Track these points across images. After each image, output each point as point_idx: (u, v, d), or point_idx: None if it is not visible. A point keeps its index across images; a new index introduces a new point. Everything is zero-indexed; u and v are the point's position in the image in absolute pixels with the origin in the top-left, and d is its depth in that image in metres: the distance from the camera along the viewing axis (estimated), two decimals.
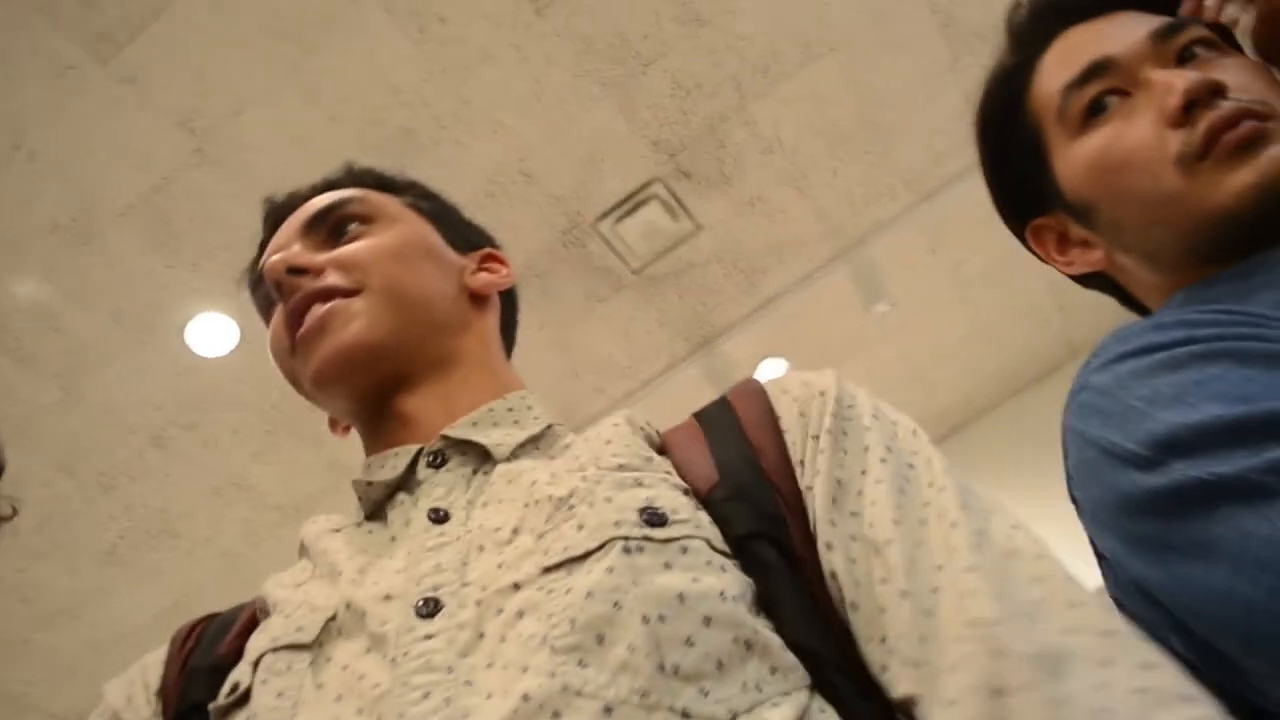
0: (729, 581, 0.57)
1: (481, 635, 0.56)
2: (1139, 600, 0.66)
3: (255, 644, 0.64)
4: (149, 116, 2.48)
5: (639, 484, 0.63)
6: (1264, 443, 0.56)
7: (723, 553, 0.59)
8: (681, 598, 0.54)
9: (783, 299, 3.43)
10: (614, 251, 3.16)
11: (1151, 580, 0.62)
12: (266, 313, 0.84)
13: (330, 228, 0.82)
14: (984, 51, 3.25)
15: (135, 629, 3.73)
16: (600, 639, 0.53)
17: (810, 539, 0.61)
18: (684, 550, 0.58)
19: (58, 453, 3.08)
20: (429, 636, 0.57)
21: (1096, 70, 0.83)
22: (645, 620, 0.53)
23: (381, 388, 0.77)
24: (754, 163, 3.06)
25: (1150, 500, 0.61)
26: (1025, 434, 4.05)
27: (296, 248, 0.80)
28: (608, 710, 0.50)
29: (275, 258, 0.78)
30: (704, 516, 0.61)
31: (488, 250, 0.91)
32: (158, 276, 2.80)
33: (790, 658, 0.55)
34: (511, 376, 0.84)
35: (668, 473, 0.65)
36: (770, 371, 3.70)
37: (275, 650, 0.61)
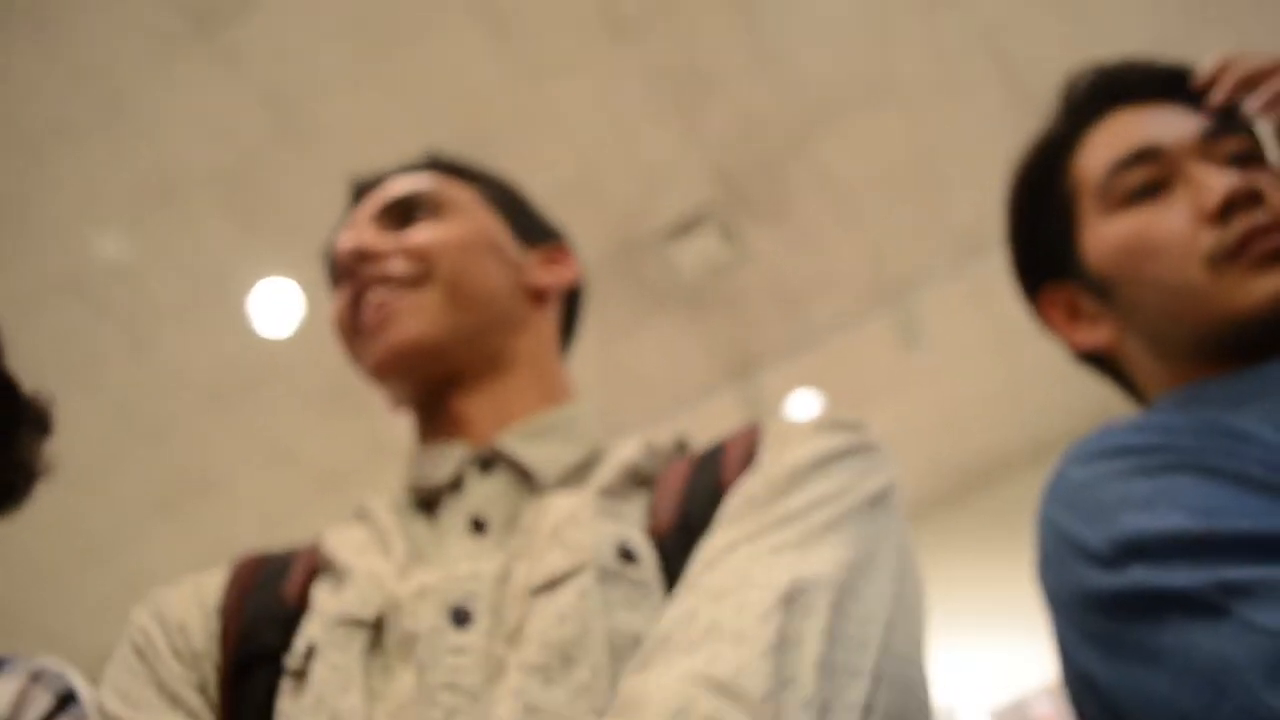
0: None
1: (500, 667, 0.60)
2: (1086, 694, 0.67)
3: (326, 605, 0.66)
4: (239, 91, 2.62)
5: (617, 519, 0.66)
6: (1221, 560, 0.57)
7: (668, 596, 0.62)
8: (637, 640, 0.58)
9: (823, 335, 3.48)
10: (664, 271, 3.24)
11: (1098, 675, 0.64)
12: (336, 286, 0.86)
13: (402, 214, 0.84)
14: (1045, 113, 3.25)
15: (169, 577, 3.84)
16: (567, 663, 0.57)
17: None
18: (646, 595, 0.61)
19: (118, 399, 3.21)
20: (457, 651, 0.61)
21: (1145, 156, 0.84)
22: (607, 650, 0.58)
23: (437, 382, 0.80)
24: (809, 199, 3.12)
25: (1106, 599, 0.62)
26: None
27: (369, 231, 0.83)
28: None
29: (347, 240, 0.81)
30: (656, 560, 0.64)
31: (555, 246, 0.91)
32: (231, 244, 2.94)
33: None
34: (564, 383, 0.86)
35: (642, 505, 0.69)
36: (802, 404, 3.74)
37: (343, 623, 0.64)
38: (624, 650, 0.58)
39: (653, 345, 3.46)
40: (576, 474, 0.75)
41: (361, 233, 0.82)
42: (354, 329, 0.81)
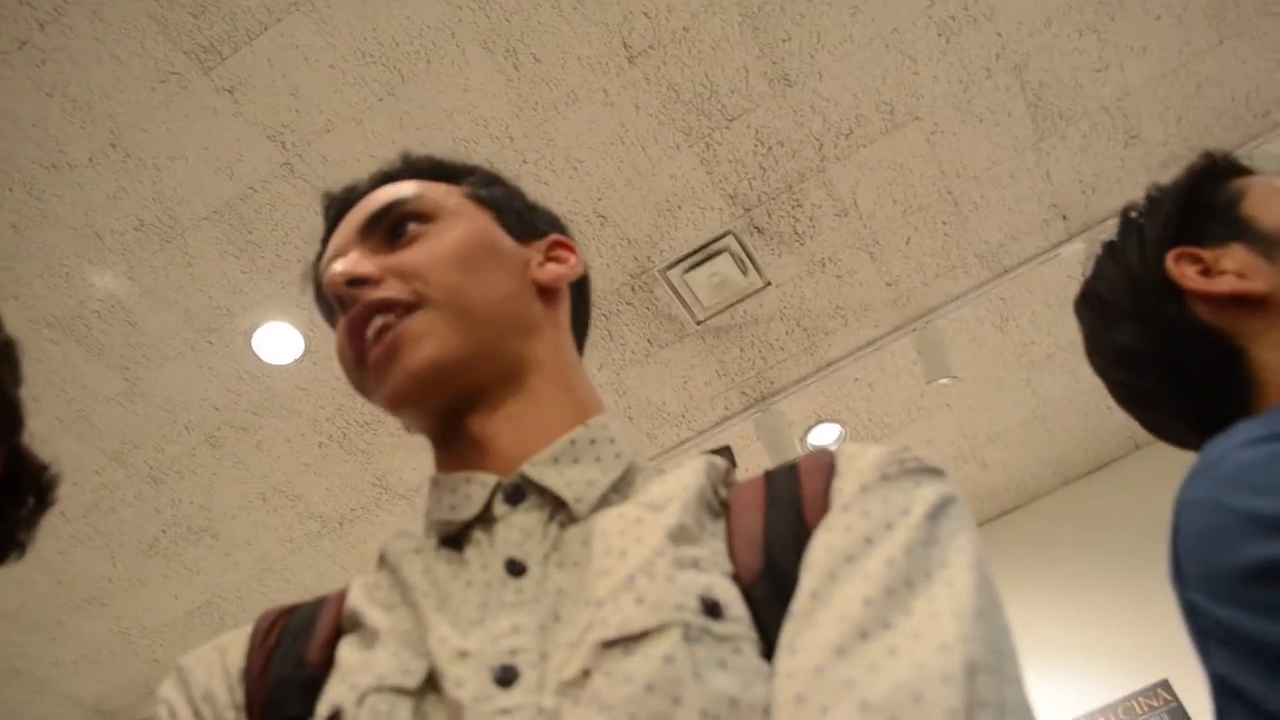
0: (768, 693, 0.54)
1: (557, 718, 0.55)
2: (1259, 669, 0.67)
3: (356, 669, 0.62)
4: (242, 126, 2.53)
5: (697, 566, 0.60)
6: None
7: (764, 655, 0.57)
8: (735, 703, 0.53)
9: (844, 363, 3.41)
10: (680, 300, 3.16)
11: (1273, 641, 0.65)
12: (329, 317, 0.82)
13: (388, 228, 0.79)
14: (1069, 134, 3.23)
15: (166, 623, 3.76)
16: None
17: None
18: (737, 650, 0.56)
19: (113, 442, 3.13)
20: (506, 712, 0.56)
21: None
22: (702, 717, 0.52)
23: (455, 405, 0.74)
24: (828, 224, 3.06)
25: None
26: (1075, 524, 3.99)
27: (354, 254, 0.78)
28: None
29: (335, 269, 0.76)
30: (746, 612, 0.58)
31: (554, 237, 0.87)
32: (232, 281, 2.85)
33: None
34: (588, 392, 0.80)
35: (719, 547, 0.63)
36: (822, 434, 3.67)
37: (380, 691, 0.59)
38: (720, 715, 0.52)
39: (669, 374, 3.39)
40: (615, 496, 0.70)
41: (348, 256, 0.77)
42: (358, 363, 0.76)
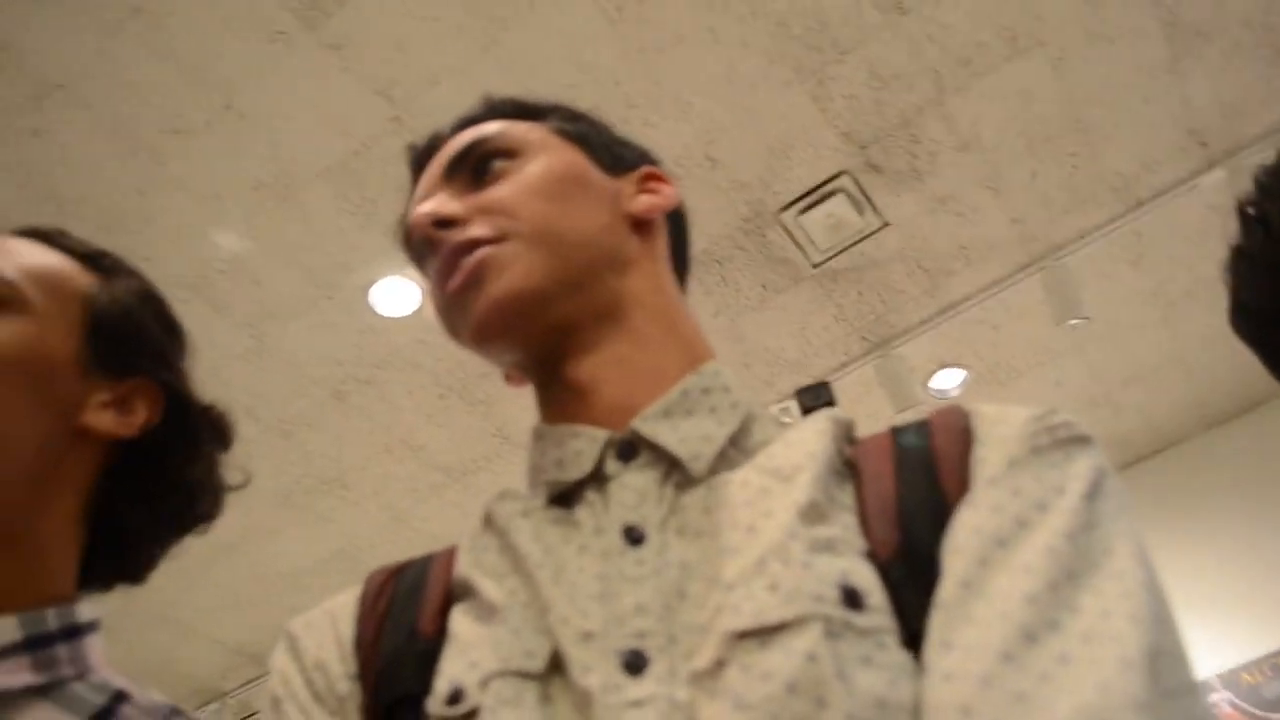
0: (916, 691, 0.51)
1: (692, 714, 0.52)
2: None
3: (475, 650, 0.60)
4: (351, 83, 2.55)
5: (832, 549, 0.56)
6: None
7: (906, 644, 0.53)
8: (882, 705, 0.49)
9: (968, 305, 3.29)
10: (795, 243, 3.09)
11: None
12: (421, 264, 0.80)
13: (473, 168, 0.77)
14: (1207, 53, 3.02)
15: (300, 570, 3.91)
16: None
17: None
18: (880, 645, 0.52)
19: (244, 398, 3.23)
20: (638, 704, 0.53)
21: None
22: None
23: (548, 343, 0.71)
24: (948, 160, 2.94)
25: None
26: (1215, 471, 3.79)
27: (441, 196, 0.75)
28: None
29: (419, 211, 0.73)
30: (886, 598, 0.54)
31: (646, 169, 0.83)
32: (349, 237, 2.90)
33: None
34: (695, 334, 0.76)
35: (850, 521, 0.58)
36: (947, 381, 3.57)
37: (504, 675, 0.57)
38: (869, 718, 0.49)
39: (786, 321, 3.33)
40: (730, 447, 0.66)
41: (434, 201, 0.75)
42: (448, 303, 0.73)
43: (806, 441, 0.63)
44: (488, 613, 0.62)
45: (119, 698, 0.74)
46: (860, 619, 0.52)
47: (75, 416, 0.78)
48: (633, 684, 0.54)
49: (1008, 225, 3.12)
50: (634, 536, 0.61)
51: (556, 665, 0.57)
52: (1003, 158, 2.95)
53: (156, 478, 0.84)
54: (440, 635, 0.63)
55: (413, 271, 2.85)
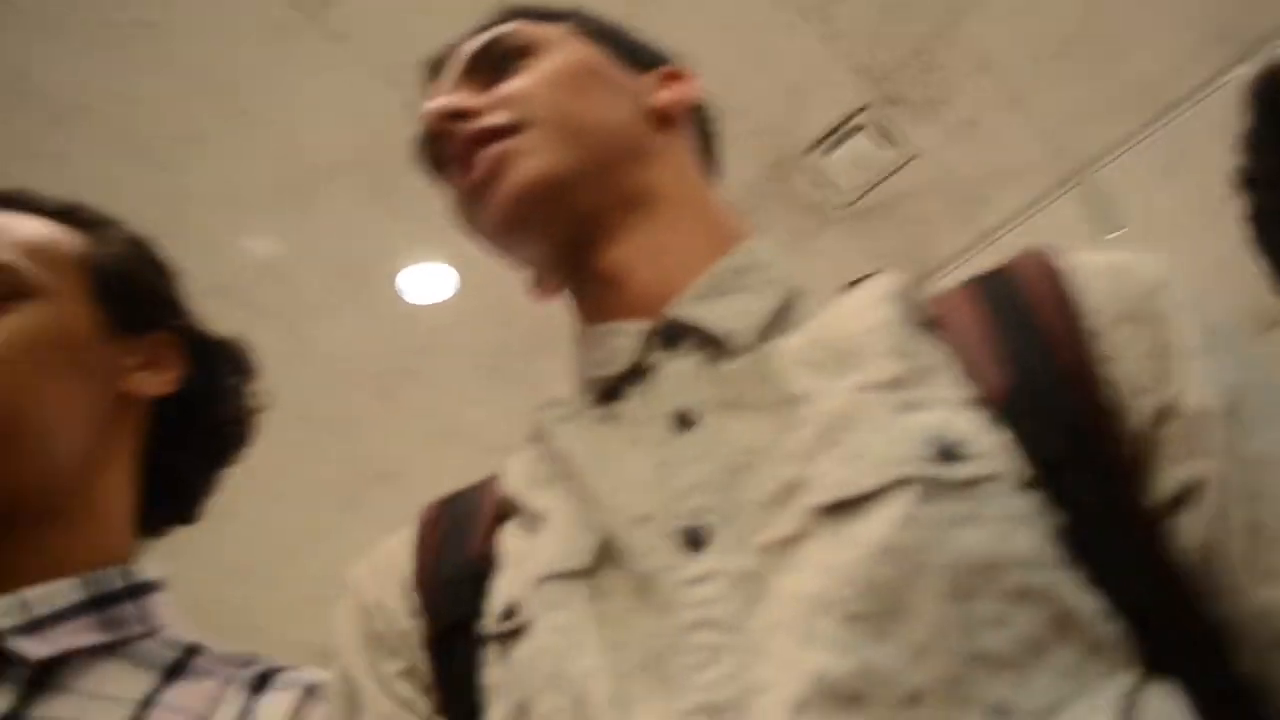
0: (1039, 537, 0.47)
1: (761, 589, 0.49)
2: None
3: (525, 558, 0.58)
4: (359, 72, 2.54)
5: (920, 406, 0.52)
6: None
7: (1028, 485, 0.49)
8: (990, 564, 0.45)
9: (1005, 230, 3.23)
10: (822, 186, 3.05)
11: None
12: (438, 169, 0.78)
13: (491, 65, 0.75)
14: None
15: None
16: (896, 612, 0.45)
17: (1126, 466, 0.51)
18: (986, 496, 0.48)
19: (288, 397, 3.24)
20: (700, 580, 0.50)
21: None
22: (950, 592, 0.45)
23: (574, 233, 0.69)
24: (966, 84, 2.87)
25: None
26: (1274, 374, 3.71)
27: (457, 93, 0.74)
28: (913, 699, 0.43)
29: (432, 105, 0.72)
30: (1000, 440, 0.50)
31: (667, 68, 0.81)
32: (375, 227, 2.89)
33: (1111, 630, 0.46)
34: (729, 219, 0.74)
35: (946, 374, 0.54)
36: None
37: (550, 579, 0.56)
38: (973, 585, 0.45)
39: (820, 266, 3.29)
40: (779, 325, 0.63)
41: (448, 96, 0.73)
42: (466, 196, 0.71)
43: (867, 305, 0.60)
44: (535, 523, 0.60)
45: (191, 651, 0.75)
46: (960, 470, 0.48)
47: (115, 385, 0.79)
48: (693, 560, 0.51)
49: (1035, 144, 3.05)
50: (684, 421, 0.59)
51: (607, 558, 0.55)
52: (1023, 75, 2.88)
53: (195, 422, 0.85)
54: (491, 557, 0.62)
55: (445, 254, 2.81)
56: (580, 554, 0.55)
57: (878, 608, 0.45)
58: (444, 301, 3.12)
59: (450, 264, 3.00)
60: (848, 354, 0.57)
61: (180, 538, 0.94)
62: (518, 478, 0.65)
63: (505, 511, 0.64)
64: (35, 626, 0.68)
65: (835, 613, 0.45)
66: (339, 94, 2.57)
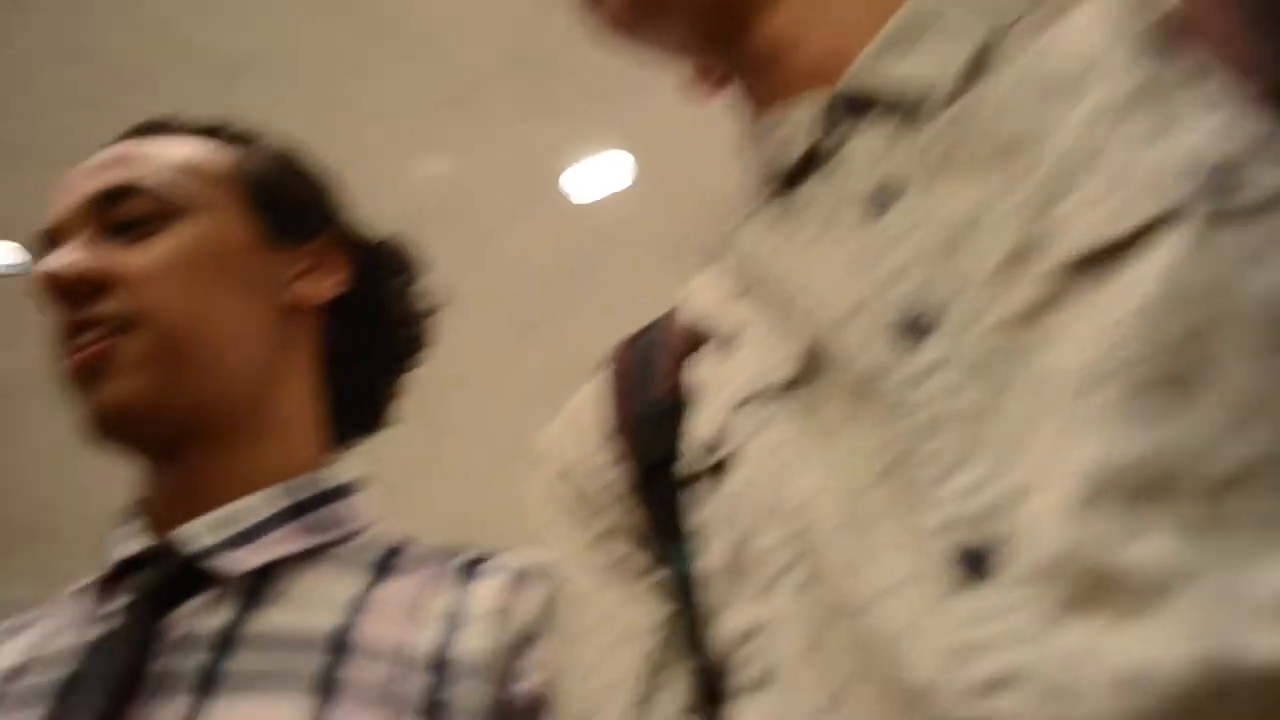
0: None
1: (1008, 372, 0.40)
2: None
3: (723, 382, 0.52)
4: None
5: (1179, 122, 0.40)
6: None
7: None
8: None
9: None
10: None
11: None
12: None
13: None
14: None
15: None
16: (1198, 374, 0.35)
17: None
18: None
19: (480, 307, 3.34)
20: (930, 371, 0.42)
21: None
22: (1267, 344, 0.35)
23: (719, 7, 0.57)
24: None
25: None
26: None
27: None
28: (1234, 482, 0.34)
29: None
30: None
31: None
32: (538, 127, 2.89)
33: None
34: None
35: (1203, 87, 0.41)
36: None
37: (749, 400, 0.49)
38: (1275, 341, 0.35)
39: None
40: (980, 70, 0.48)
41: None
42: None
43: (1093, 22, 0.46)
44: (728, 344, 0.53)
45: (398, 547, 0.75)
46: (1236, 197, 0.37)
47: (281, 295, 0.79)
48: (919, 351, 0.43)
49: None
50: (884, 199, 0.48)
51: (816, 365, 0.47)
52: None
53: (370, 325, 0.85)
54: (681, 392, 0.56)
55: (611, 144, 2.74)
56: (783, 365, 0.48)
57: (1172, 371, 0.35)
58: (622, 192, 3.10)
59: (624, 149, 2.97)
60: (1074, 82, 0.44)
61: (399, 447, 0.96)
62: (703, 300, 0.58)
63: (693, 340, 0.57)
64: (242, 539, 0.70)
65: (1115, 385, 0.36)
66: (481, 3, 2.56)
